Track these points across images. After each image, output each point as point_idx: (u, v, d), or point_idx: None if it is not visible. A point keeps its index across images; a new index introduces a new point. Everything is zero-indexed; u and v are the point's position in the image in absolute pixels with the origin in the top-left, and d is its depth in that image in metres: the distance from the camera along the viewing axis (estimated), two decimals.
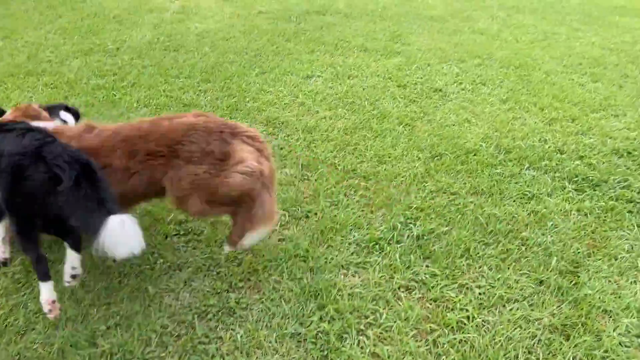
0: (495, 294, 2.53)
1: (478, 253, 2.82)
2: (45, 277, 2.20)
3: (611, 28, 7.77)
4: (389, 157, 3.79)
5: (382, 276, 2.64)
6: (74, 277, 2.39)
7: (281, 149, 3.79)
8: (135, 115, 4.02)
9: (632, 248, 2.91)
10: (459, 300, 2.49)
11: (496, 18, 8.14)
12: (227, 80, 4.81)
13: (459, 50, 6.26)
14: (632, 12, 9.11)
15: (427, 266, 2.72)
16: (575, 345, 2.25)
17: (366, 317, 2.39)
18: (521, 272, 2.69)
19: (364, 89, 4.96)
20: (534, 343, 2.28)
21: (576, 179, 3.56)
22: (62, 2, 6.69)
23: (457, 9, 8.57)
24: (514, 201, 3.32)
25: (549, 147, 4.04)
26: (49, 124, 2.56)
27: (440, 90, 5.05)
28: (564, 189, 3.45)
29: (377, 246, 2.86)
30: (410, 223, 3.05)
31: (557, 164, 3.77)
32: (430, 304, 2.49)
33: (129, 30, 5.88)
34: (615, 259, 2.81)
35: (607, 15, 8.65)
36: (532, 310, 2.45)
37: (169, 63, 5.07)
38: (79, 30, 5.66)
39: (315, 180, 3.44)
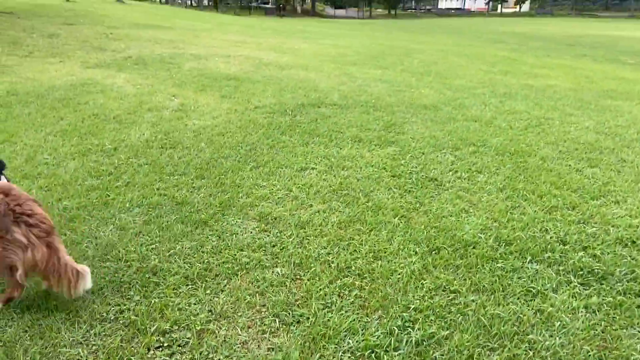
0: None
1: None
2: None
3: (604, 112, 7.93)
4: (385, 252, 3.66)
5: None
6: None
7: (273, 246, 3.68)
8: (127, 216, 3.97)
9: None
10: None
11: (489, 105, 8.35)
12: (221, 176, 4.80)
13: (453, 138, 6.33)
14: (623, 95, 9.37)
15: None
16: None
17: None
18: None
19: (358, 180, 4.93)
20: None
21: (581, 272, 3.40)
22: (65, 104, 6.90)
23: (450, 97, 8.82)
24: (518, 299, 3.14)
25: (550, 238, 3.91)
26: None
27: (436, 179, 5.03)
28: (570, 283, 3.28)
29: (373, 354, 2.66)
30: (409, 327, 2.86)
31: (560, 256, 3.62)
32: None
33: (127, 129, 6.00)
34: None
35: (598, 100, 8.87)
36: None
37: (165, 160, 5.10)
38: (79, 132, 5.77)
39: (308, 280, 3.29)
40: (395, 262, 3.54)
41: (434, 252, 3.69)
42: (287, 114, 7.11)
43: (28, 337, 2.57)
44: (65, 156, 5.07)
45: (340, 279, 3.32)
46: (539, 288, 3.27)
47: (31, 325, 2.66)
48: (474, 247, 3.76)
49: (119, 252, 3.44)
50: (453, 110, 7.84)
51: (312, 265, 3.45)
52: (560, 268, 3.49)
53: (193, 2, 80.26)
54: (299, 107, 7.51)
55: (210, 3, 77.51)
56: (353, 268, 3.45)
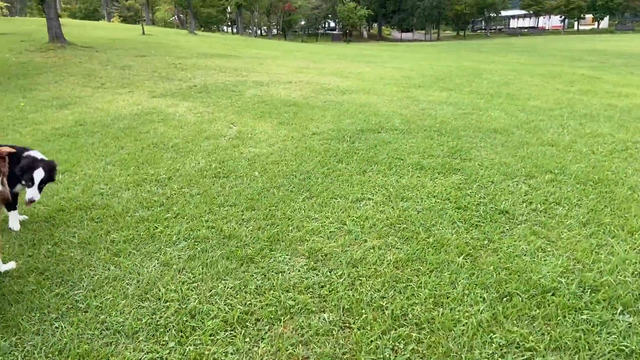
0: None
1: None
2: None
3: None
4: (447, 298, 3.24)
5: None
6: None
7: (322, 287, 3.36)
8: (172, 250, 3.81)
9: None
10: None
11: (567, 128, 7.65)
12: (271, 207, 4.57)
13: (526, 165, 5.77)
14: None
15: None
16: None
17: None
18: None
19: (418, 213, 4.53)
20: None
21: None
22: (128, 133, 7.04)
23: (522, 120, 8.20)
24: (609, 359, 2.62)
25: None
26: None
27: (507, 212, 4.52)
28: None
29: None
30: None
31: None
32: None
33: (183, 158, 5.97)
34: None
35: None
36: None
37: (217, 190, 4.96)
38: (137, 161, 5.80)
39: (358, 329, 2.94)
40: (459, 311, 3.11)
41: (505, 299, 3.22)
42: (345, 140, 6.84)
43: None
44: (120, 186, 5.06)
45: (395, 329, 2.94)
46: (633, 347, 2.72)
47: None
48: (553, 294, 3.25)
49: (159, 290, 3.26)
50: (526, 134, 7.23)
51: (363, 311, 3.10)
52: None
53: (262, 31, 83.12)
54: (358, 133, 7.22)
55: (279, 32, 79.93)
56: (410, 316, 3.06)
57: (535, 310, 3.09)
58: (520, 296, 3.23)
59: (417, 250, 3.86)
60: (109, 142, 6.57)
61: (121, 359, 2.63)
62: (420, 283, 3.42)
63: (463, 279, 3.46)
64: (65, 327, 2.86)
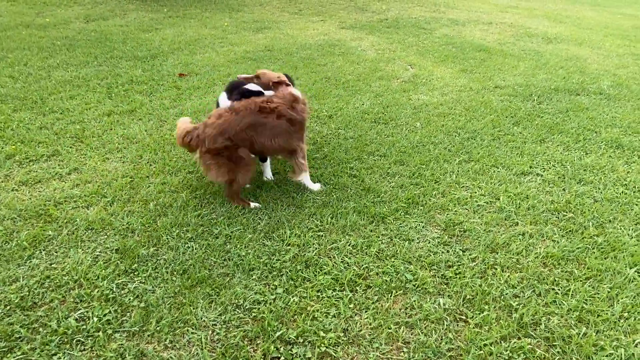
0: None
1: None
2: None
3: None
4: (597, 317, 2.68)
5: None
6: None
7: (449, 267, 3.05)
8: (309, 193, 3.81)
9: None
10: None
11: None
12: (421, 166, 4.26)
13: None
14: None
15: None
16: None
17: None
18: None
19: (595, 202, 3.79)
20: None
21: None
22: (306, 64, 7.15)
23: None
24: None
25: None
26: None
27: None
28: None
29: None
30: None
31: None
32: None
33: (350, 97, 5.86)
34: None
35: None
36: None
37: (371, 137, 4.79)
38: (306, 95, 5.87)
39: (474, 325, 2.61)
40: (607, 336, 2.56)
41: None
42: (531, 99, 5.97)
43: (167, 306, 2.63)
44: None
45: (519, 338, 2.54)
46: None
47: (176, 293, 2.73)
48: None
49: (285, 232, 3.31)
50: None
51: (487, 306, 2.74)
52: None
53: None
54: (550, 92, 6.24)
55: None
56: (542, 327, 2.61)
57: None
58: None
59: (577, 248, 3.24)
60: (287, 71, 6.75)
61: (231, 293, 2.75)
62: (568, 290, 2.88)
63: (627, 297, 2.82)
64: (195, 249, 3.09)
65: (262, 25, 9.68)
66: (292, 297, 2.76)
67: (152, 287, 2.76)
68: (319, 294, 2.80)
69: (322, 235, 3.31)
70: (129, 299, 2.65)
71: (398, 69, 7.11)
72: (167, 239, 3.18)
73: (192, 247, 3.12)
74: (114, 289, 2.72)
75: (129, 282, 2.79)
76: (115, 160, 4.18)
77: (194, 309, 2.63)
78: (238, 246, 3.15)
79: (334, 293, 2.81)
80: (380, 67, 7.18)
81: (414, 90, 6.22)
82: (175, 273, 2.88)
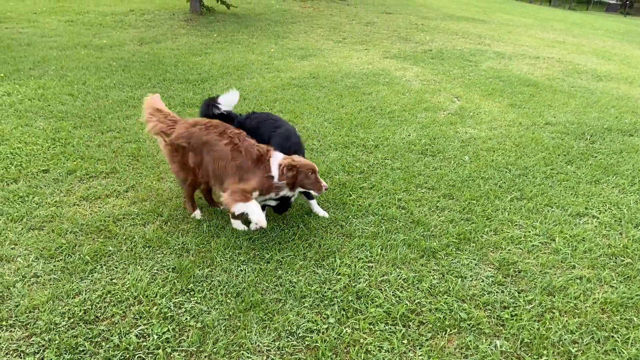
0: None
1: None
2: None
3: None
4: None
5: None
6: None
7: (504, 308, 2.98)
8: (358, 222, 3.82)
9: None
10: None
11: None
12: (471, 201, 4.21)
13: None
14: None
15: None
16: None
17: None
18: None
19: None
20: None
21: None
22: (352, 92, 7.23)
23: None
24: None
25: None
26: None
27: None
28: None
29: None
30: None
31: None
32: None
33: (395, 127, 5.88)
34: None
35: None
36: None
37: (419, 169, 4.78)
38: (351, 122, 5.93)
39: None
40: None
41: None
42: (584, 138, 5.86)
43: (222, 328, 2.65)
44: (330, 145, 5.26)
45: None
46: None
47: (230, 315, 2.75)
48: None
49: (335, 261, 3.31)
50: None
51: (545, 351, 2.66)
52: None
53: None
54: (603, 132, 6.11)
55: None
56: None
57: None
58: None
59: (636, 295, 3.13)
60: (333, 99, 6.86)
61: (284, 319, 2.76)
62: (629, 337, 2.78)
63: None
64: (248, 272, 3.12)
65: (306, 52, 9.87)
66: (345, 327, 2.75)
67: (208, 308, 2.79)
68: (371, 326, 2.78)
69: (372, 267, 3.29)
70: (186, 319, 2.69)
71: (444, 101, 7.11)
72: (221, 260, 3.23)
73: (245, 270, 3.15)
74: (172, 308, 2.76)
75: (185, 301, 2.83)
76: (169, 180, 4.29)
77: (248, 332, 2.64)
78: (289, 272, 3.17)
79: (386, 327, 2.78)
80: (425, 98, 7.19)
81: (461, 123, 6.19)
82: (229, 295, 2.91)
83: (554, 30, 17.28)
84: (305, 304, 2.90)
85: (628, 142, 5.82)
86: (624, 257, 3.55)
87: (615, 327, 2.87)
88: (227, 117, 4.11)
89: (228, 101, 4.10)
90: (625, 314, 2.98)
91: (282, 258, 3.31)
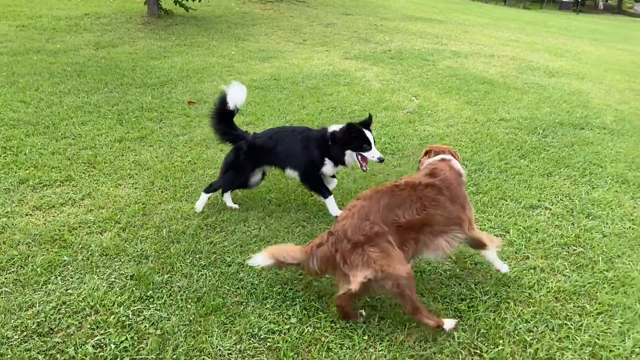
0: None
1: None
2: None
3: None
4: (610, 352, 2.68)
5: None
6: None
7: (462, 300, 3.06)
8: (318, 221, 3.85)
9: None
10: None
11: None
12: None
13: None
14: None
15: None
16: None
17: None
18: None
19: (604, 237, 3.82)
20: None
21: None
22: (313, 93, 7.27)
23: None
24: None
25: None
26: None
27: None
28: None
29: None
30: None
31: None
32: None
33: None
34: None
35: None
36: None
37: (379, 167, 4.85)
38: (312, 124, 5.96)
39: (491, 359, 2.61)
40: None
41: None
42: (536, 133, 6.06)
43: (183, 334, 2.63)
44: None
45: None
46: None
47: (191, 321, 2.73)
48: None
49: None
50: None
51: (501, 341, 2.74)
52: None
53: None
54: (555, 126, 6.33)
55: None
56: None
57: None
58: None
59: (588, 283, 3.26)
60: (294, 100, 6.88)
61: (245, 322, 2.75)
62: (581, 325, 2.89)
63: (637, 333, 2.83)
64: (209, 276, 3.11)
65: (267, 54, 9.86)
66: (307, 327, 2.77)
67: (168, 314, 2.76)
68: (332, 324, 2.80)
69: None
70: (145, 326, 2.66)
71: (403, 100, 7.23)
72: (181, 266, 3.20)
73: (206, 274, 3.13)
74: (130, 316, 2.72)
75: (144, 308, 2.79)
76: (127, 186, 4.22)
77: (209, 337, 2.63)
78: (251, 274, 3.16)
79: (347, 324, 2.81)
80: (385, 97, 7.30)
81: (420, 121, 6.31)
82: (189, 300, 2.88)
83: (508, 29, 17.79)
84: (267, 306, 2.91)
85: (579, 135, 6.06)
86: (576, 247, 3.69)
87: (568, 315, 2.98)
88: (233, 131, 3.90)
89: (235, 98, 3.81)
90: (578, 302, 3.10)
91: (244, 260, 3.30)
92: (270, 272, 3.20)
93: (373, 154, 3.67)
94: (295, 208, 4.05)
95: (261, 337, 2.66)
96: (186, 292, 2.95)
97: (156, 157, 4.79)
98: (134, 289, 2.94)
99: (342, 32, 12.95)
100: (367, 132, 3.64)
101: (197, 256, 3.31)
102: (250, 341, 2.63)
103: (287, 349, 2.57)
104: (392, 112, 6.61)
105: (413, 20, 16.55)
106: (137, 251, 3.30)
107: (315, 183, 3.89)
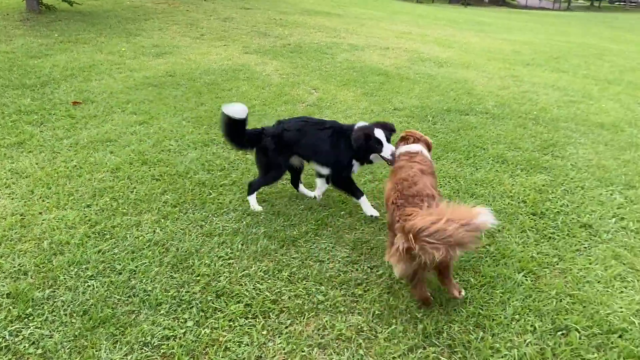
0: None
1: None
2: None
3: None
4: (492, 321, 2.90)
5: None
6: None
7: (358, 284, 3.15)
8: (219, 220, 3.78)
9: None
10: None
11: None
12: (329, 188, 4.38)
13: (629, 171, 5.03)
14: None
15: None
16: None
17: None
18: None
19: None
20: None
21: None
22: (211, 89, 7.11)
23: (639, 116, 7.16)
24: None
25: None
26: None
27: (590, 226, 3.97)
28: None
29: None
30: None
31: None
32: None
33: (256, 122, 5.87)
34: None
35: None
36: None
37: None
38: (211, 120, 5.83)
39: (384, 339, 2.71)
40: (501, 338, 2.77)
41: (560, 332, 2.83)
42: (427, 120, 6.38)
43: (67, 351, 2.47)
44: (189, 144, 5.13)
45: (424, 348, 2.68)
46: None
47: (76, 336, 2.57)
48: (620, 336, 2.80)
49: (194, 262, 3.24)
50: (639, 134, 6.30)
51: (394, 320, 2.86)
52: None
53: None
54: (443, 113, 6.71)
55: None
56: (445, 335, 2.78)
57: (593, 354, 2.67)
58: (579, 332, 2.81)
59: (472, 258, 3.50)
60: (191, 97, 6.69)
61: (137, 331, 2.64)
62: (467, 298, 3.09)
63: (517, 300, 3.08)
64: (96, 287, 2.94)
65: (162, 50, 9.49)
66: (204, 329, 2.71)
67: (50, 331, 2.57)
68: (231, 323, 2.77)
69: (232, 263, 3.28)
70: (24, 347, 2.46)
71: (303, 93, 7.29)
72: (65, 279, 2.99)
73: (93, 285, 2.96)
74: (7, 337, 2.50)
75: (23, 328, 2.58)
76: (3, 197, 3.87)
77: (96, 351, 2.49)
78: (144, 281, 3.04)
79: (246, 321, 2.79)
80: (285, 91, 7.31)
81: (319, 113, 6.40)
82: (74, 315, 2.71)
83: (402, 22, 18.54)
84: (161, 311, 2.81)
85: (464, 120, 6.47)
86: None
87: None
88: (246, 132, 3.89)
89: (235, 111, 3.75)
90: (464, 276, 3.31)
91: (135, 267, 3.16)
92: (165, 276, 3.10)
93: (386, 152, 3.64)
94: (193, 208, 3.95)
95: (154, 344, 2.57)
96: (70, 306, 2.77)
97: (36, 164, 4.44)
98: (10, 307, 2.70)
99: (241, 26, 12.78)
100: (377, 132, 3.66)
101: (84, 267, 3.11)
102: (143, 350, 2.53)
103: (182, 354, 2.50)
104: (292, 106, 6.64)
105: (312, 14, 16.72)
106: (15, 267, 3.04)
107: (347, 184, 3.95)
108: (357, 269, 3.32)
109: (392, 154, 3.61)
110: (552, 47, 14.90)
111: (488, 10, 38.58)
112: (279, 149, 3.85)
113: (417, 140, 3.70)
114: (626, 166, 5.17)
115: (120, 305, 2.82)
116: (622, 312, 2.99)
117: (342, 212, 4.00)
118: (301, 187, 4.26)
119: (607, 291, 3.19)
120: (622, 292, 3.20)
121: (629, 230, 3.94)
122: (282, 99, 6.91)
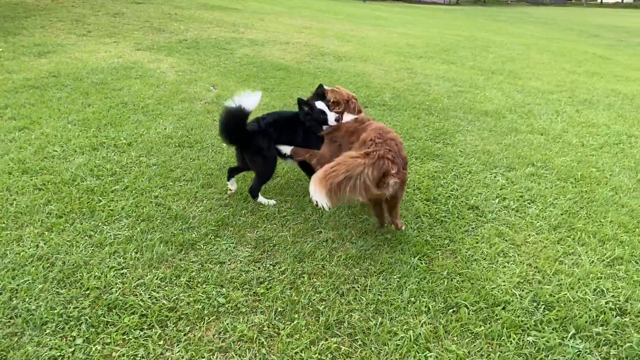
0: None
1: None
2: None
3: None
4: (390, 305, 3.01)
5: None
6: None
7: (260, 283, 3.13)
8: (110, 229, 3.57)
9: None
10: None
11: (562, 114, 7.27)
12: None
13: (509, 154, 5.45)
14: None
15: None
16: None
17: None
18: None
19: None
20: None
21: None
22: (99, 89, 6.69)
23: (518, 103, 7.80)
24: None
25: (606, 304, 3.09)
26: None
27: (477, 207, 4.25)
28: None
29: None
30: None
31: (614, 334, 2.81)
32: None
33: (150, 122, 5.65)
34: None
35: None
36: None
37: (177, 162, 4.69)
38: (100, 122, 5.49)
39: (287, 336, 2.72)
40: (399, 321, 2.89)
41: (451, 310, 3.00)
42: None
43: None
44: (75, 149, 4.78)
45: (326, 339, 2.73)
46: None
47: None
48: (503, 308, 3.04)
49: (83, 276, 3.04)
50: (518, 119, 6.87)
51: (296, 315, 2.88)
52: (612, 351, 2.70)
53: None
54: None
55: None
56: (345, 324, 2.84)
57: (480, 327, 2.86)
58: (467, 308, 3.01)
59: (371, 246, 3.61)
60: (77, 98, 6.25)
61: (21, 354, 2.43)
62: (367, 285, 3.19)
63: (412, 283, 3.22)
64: None
65: (45, 49, 8.77)
66: (94, 345, 2.55)
67: None
68: (124, 336, 2.63)
69: (125, 273, 3.12)
70: None
71: (201, 91, 7.09)
72: None
73: None
74: None
75: None
76: None
77: None
78: (27, 300, 2.80)
79: (141, 332, 2.67)
80: (182, 89, 7.07)
81: (218, 111, 6.26)
82: None
83: (301, 17, 18.67)
84: (47, 331, 2.60)
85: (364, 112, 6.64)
86: (362, 215, 4.06)
87: (355, 278, 3.26)
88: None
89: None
90: (363, 265, 3.41)
91: (17, 285, 2.90)
92: (50, 293, 2.87)
93: (331, 119, 4.04)
94: (80, 218, 3.69)
95: None
96: None
97: None
98: None
99: (133, 21, 12.15)
100: (320, 105, 4.03)
101: None
102: None
103: None
104: (189, 104, 6.43)
105: (209, 8, 16.31)
106: None
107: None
108: (259, 268, 3.30)
109: (337, 119, 4.05)
110: (442, 40, 15.77)
111: (385, 5, 39.99)
112: (269, 145, 3.99)
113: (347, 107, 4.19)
114: (507, 150, 5.60)
115: (1, 328, 2.58)
116: (504, 285, 3.24)
117: (244, 211, 3.95)
118: (233, 180, 4.21)
119: (492, 267, 3.44)
120: (504, 267, 3.46)
121: (510, 209, 4.28)
122: (179, 97, 6.67)
